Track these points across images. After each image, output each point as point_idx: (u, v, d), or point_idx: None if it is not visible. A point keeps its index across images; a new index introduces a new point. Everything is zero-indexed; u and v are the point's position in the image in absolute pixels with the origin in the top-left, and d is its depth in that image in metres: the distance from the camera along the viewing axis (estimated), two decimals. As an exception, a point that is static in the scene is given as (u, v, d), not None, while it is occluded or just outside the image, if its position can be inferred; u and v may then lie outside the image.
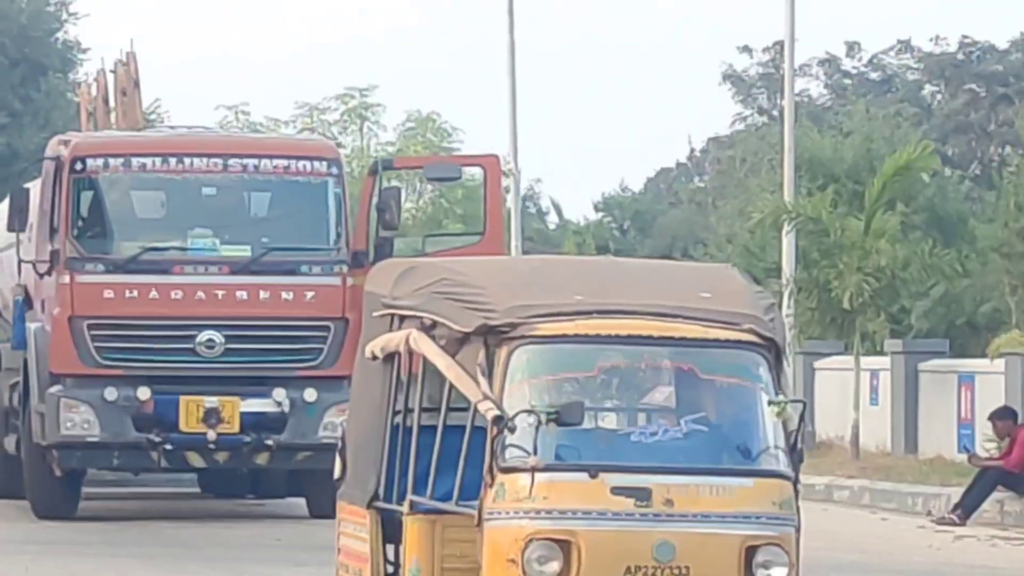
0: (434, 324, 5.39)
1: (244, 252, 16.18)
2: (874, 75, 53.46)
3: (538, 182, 53.15)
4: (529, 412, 4.77)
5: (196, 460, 16.29)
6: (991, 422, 18.78)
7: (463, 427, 5.21)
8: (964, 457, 19.31)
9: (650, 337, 5.11)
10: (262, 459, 16.22)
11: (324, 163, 16.57)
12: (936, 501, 18.59)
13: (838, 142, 32.58)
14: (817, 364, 25.91)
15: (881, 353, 25.17)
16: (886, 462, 22.28)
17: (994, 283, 28.06)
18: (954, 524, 17.03)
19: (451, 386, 5.30)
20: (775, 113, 47.31)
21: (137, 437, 15.81)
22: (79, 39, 45.69)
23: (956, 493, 18.04)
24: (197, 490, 19.05)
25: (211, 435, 15.69)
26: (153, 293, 15.78)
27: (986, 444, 19.62)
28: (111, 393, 15.66)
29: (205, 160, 16.34)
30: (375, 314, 6.28)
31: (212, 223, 16.38)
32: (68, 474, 16.38)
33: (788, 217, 24.18)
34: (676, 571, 4.75)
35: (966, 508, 17.22)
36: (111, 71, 20.26)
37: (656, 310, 5.26)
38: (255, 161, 16.46)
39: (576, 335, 5.15)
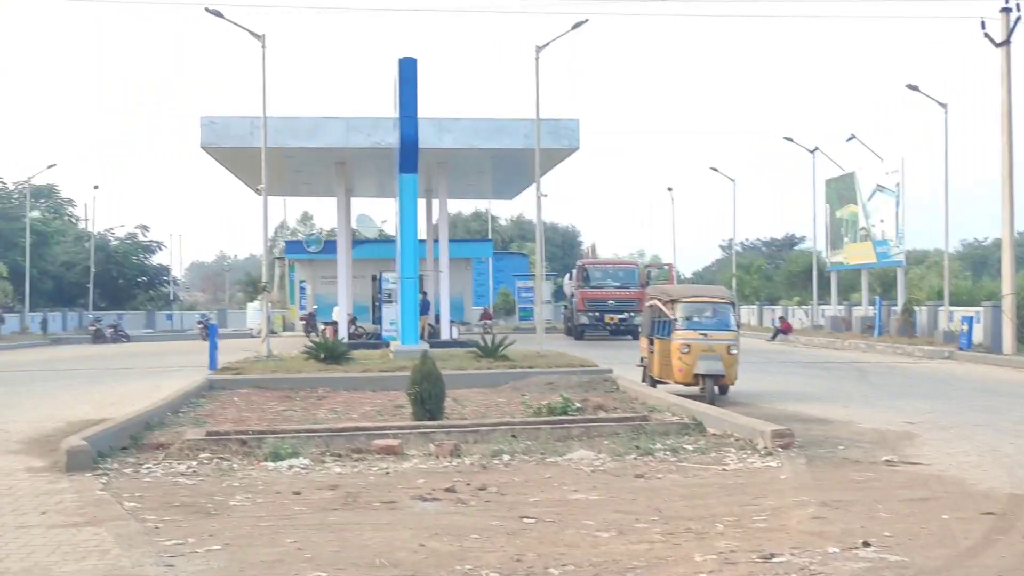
0: (660, 300, 18.53)
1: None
2: None
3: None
4: (681, 317, 17.73)
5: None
6: None
7: (669, 321, 18.13)
8: None
9: (707, 300, 18.13)
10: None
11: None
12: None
13: None
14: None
15: None
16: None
17: None
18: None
19: (664, 313, 18.25)
20: None
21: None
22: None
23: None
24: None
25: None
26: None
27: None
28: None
29: None
30: (648, 302, 19.49)
31: None
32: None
33: None
34: (711, 351, 17.32)
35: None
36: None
37: (706, 294, 18.38)
38: None
39: (690, 300, 18.08)
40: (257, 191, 26.86)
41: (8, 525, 7.93)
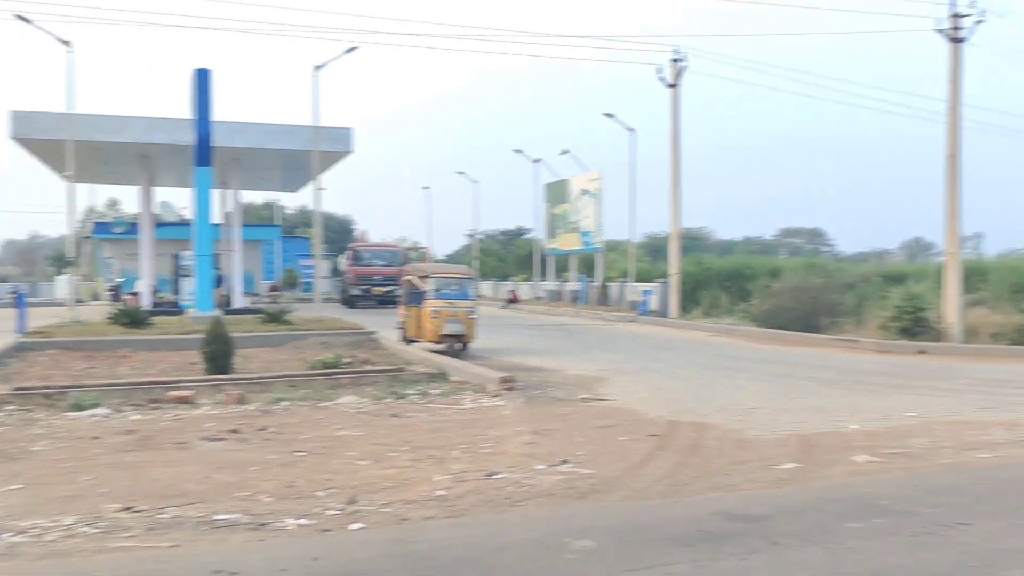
0: (415, 276, 18.52)
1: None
2: None
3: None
4: (431, 289, 17.81)
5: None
6: None
7: (422, 292, 18.18)
8: None
9: (452, 276, 18.29)
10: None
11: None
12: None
13: None
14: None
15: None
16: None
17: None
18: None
19: (418, 286, 18.30)
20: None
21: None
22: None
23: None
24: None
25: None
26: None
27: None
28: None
29: None
30: (406, 277, 19.38)
31: None
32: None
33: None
34: (455, 316, 17.59)
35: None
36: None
37: (451, 272, 18.49)
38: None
39: (439, 276, 18.20)
40: (65, 178, 24.57)
41: None
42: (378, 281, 38.22)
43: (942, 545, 5.11)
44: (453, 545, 5.08)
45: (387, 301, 37.99)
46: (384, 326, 21.66)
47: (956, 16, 19.70)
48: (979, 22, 19.60)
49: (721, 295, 29.33)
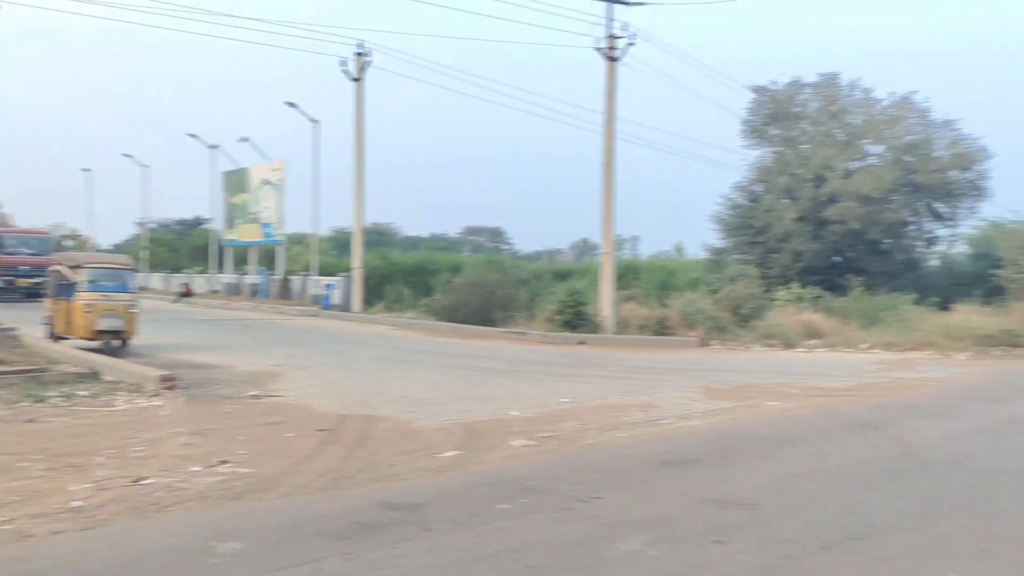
0: (65, 266, 16.75)
1: None
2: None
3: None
4: (84, 281, 16.20)
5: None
6: None
7: (72, 284, 16.46)
8: None
9: (109, 266, 16.81)
10: None
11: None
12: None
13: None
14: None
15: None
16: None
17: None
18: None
19: (67, 277, 16.57)
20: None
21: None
22: None
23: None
24: None
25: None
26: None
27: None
28: None
29: None
30: (53, 267, 17.46)
31: None
32: None
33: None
34: (112, 310, 16.21)
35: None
36: None
37: (108, 262, 17.01)
38: None
39: (93, 266, 16.60)
40: None
41: None
42: (24, 271, 33.96)
43: (577, 519, 5.59)
44: (83, 559, 4.64)
45: (36, 294, 33.89)
46: (30, 322, 19.33)
47: (612, 37, 21.80)
48: (631, 44, 21.86)
49: (405, 290, 29.88)
